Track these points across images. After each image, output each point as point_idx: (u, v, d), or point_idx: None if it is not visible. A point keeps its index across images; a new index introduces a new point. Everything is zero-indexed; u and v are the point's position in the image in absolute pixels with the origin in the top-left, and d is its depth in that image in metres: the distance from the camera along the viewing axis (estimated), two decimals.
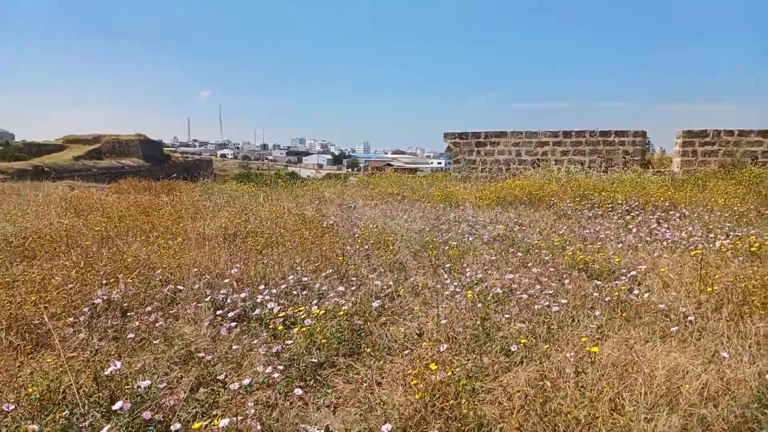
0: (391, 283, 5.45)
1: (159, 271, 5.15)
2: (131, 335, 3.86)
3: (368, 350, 3.97)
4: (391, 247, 6.90)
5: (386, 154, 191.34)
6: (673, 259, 6.04)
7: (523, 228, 8.60)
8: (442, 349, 3.86)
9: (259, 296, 4.66)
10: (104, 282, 4.82)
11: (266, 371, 3.30)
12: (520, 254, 6.58)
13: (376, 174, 22.85)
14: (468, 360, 3.83)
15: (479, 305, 4.63)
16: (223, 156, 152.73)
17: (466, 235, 7.89)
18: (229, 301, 4.59)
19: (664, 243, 7.06)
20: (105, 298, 4.34)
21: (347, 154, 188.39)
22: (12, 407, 2.62)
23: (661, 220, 8.76)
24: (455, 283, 5.43)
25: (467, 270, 5.95)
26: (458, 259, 6.51)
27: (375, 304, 4.80)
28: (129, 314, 4.25)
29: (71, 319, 3.98)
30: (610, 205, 10.19)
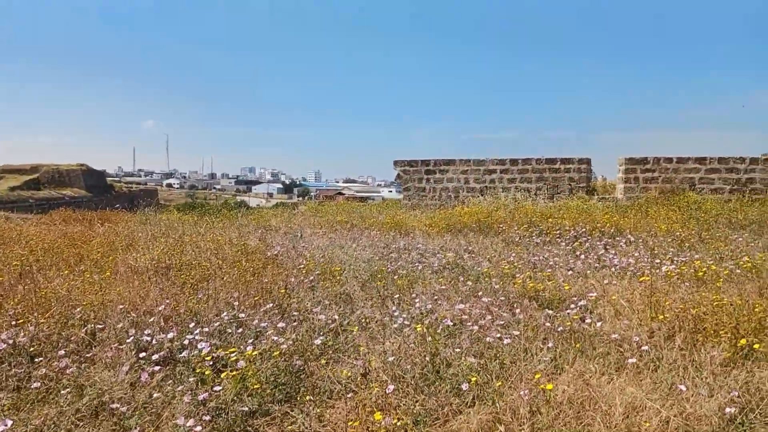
0: (336, 317, 5.12)
1: (79, 309, 4.66)
2: (36, 384, 3.39)
3: (307, 396, 3.63)
4: (337, 278, 6.59)
5: (338, 182, 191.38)
6: (623, 286, 5.97)
7: (473, 255, 8.45)
8: (388, 391, 3.56)
9: (189, 336, 4.24)
10: (13, 323, 4.30)
11: (187, 424, 2.91)
12: (470, 283, 6.38)
13: (327, 202, 22.53)
14: (416, 402, 3.54)
15: (428, 339, 4.37)
16: (170, 185, 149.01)
17: (416, 264, 7.66)
18: (154, 342, 4.15)
19: (613, 269, 7.03)
20: (11, 342, 3.83)
21: (298, 182, 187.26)
22: None
23: (608, 246, 8.79)
24: (404, 315, 5.16)
25: (416, 301, 5.69)
26: (407, 289, 6.25)
27: (317, 342, 4.46)
28: (37, 360, 3.75)
29: None
30: (558, 232, 10.21)
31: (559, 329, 4.67)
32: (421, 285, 6.40)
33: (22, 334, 3.96)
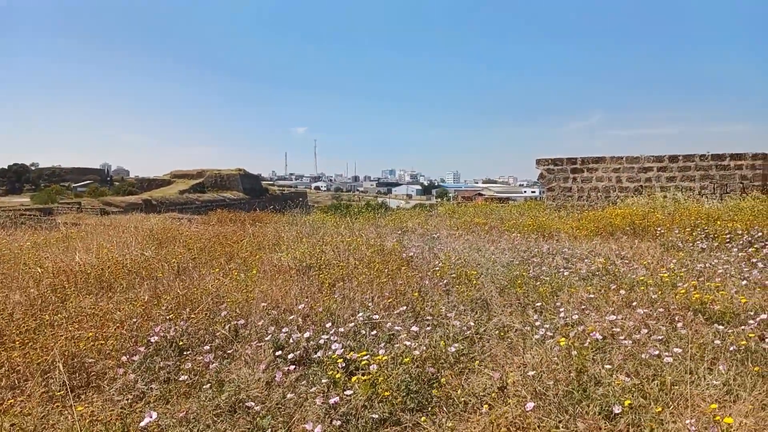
0: (471, 323, 4.87)
1: (224, 306, 4.92)
2: (184, 377, 3.58)
3: (440, 407, 3.43)
4: (474, 282, 6.31)
5: (477, 183, 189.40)
6: None
7: (626, 261, 7.68)
8: (527, 408, 3.25)
9: (324, 336, 4.26)
10: (168, 317, 4.64)
11: (316, 431, 2.85)
12: (623, 292, 5.75)
13: (465, 203, 22.23)
14: (560, 423, 3.19)
15: (574, 353, 3.96)
16: (317, 188, 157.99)
17: (561, 269, 7.12)
18: (291, 340, 4.22)
19: None
20: (162, 335, 4.12)
21: (436, 184, 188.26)
22: None
23: None
24: (546, 326, 4.76)
25: (561, 310, 5.25)
26: (551, 296, 5.81)
27: (452, 349, 4.25)
28: (185, 353, 3.99)
29: (125, 357, 3.77)
30: (729, 236, 8.96)
31: (731, 348, 4.00)
32: (567, 293, 5.91)
33: (174, 328, 4.24)
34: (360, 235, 9.42)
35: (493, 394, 3.58)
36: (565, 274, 6.85)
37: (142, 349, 3.86)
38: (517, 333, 4.83)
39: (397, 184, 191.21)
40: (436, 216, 14.94)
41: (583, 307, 5.39)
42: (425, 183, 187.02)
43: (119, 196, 57.52)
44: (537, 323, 4.86)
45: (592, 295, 5.76)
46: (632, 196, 14.88)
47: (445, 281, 6.21)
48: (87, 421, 2.71)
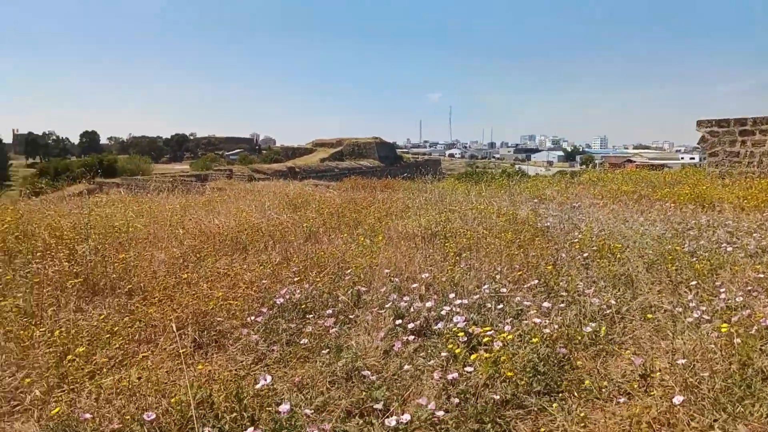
0: (613, 302, 4.37)
1: (349, 271, 4.90)
2: (304, 341, 3.59)
3: (570, 391, 3.09)
4: (618, 256, 5.70)
5: (627, 149, 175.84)
6: None
7: None
8: (675, 402, 2.80)
9: (446, 307, 4.05)
10: (296, 279, 4.72)
11: (431, 407, 2.67)
12: None
13: (612, 170, 20.57)
14: (715, 422, 2.71)
15: (737, 341, 3.36)
16: (451, 155, 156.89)
17: (723, 245, 6.21)
18: (412, 309, 4.08)
19: None
20: (288, 297, 4.18)
21: (581, 150, 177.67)
22: (152, 416, 2.45)
23: None
24: (702, 308, 4.13)
25: (722, 291, 4.53)
26: (709, 275, 5.06)
27: (587, 329, 3.84)
28: (309, 316, 4.01)
29: (252, 317, 3.88)
30: None
31: None
32: (730, 271, 5.12)
33: (299, 291, 4.29)
34: (491, 203, 9.02)
35: (633, 383, 3.15)
36: (729, 249, 5.94)
37: (265, 310, 3.95)
38: (666, 315, 4.25)
39: (536, 150, 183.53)
40: (578, 183, 13.93)
41: (749, 288, 4.62)
42: (568, 149, 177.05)
43: (266, 164, 61.56)
44: (691, 304, 4.24)
45: (761, 275, 4.93)
46: None
47: (584, 254, 5.67)
48: (205, 379, 2.79)
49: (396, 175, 21.34)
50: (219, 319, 3.81)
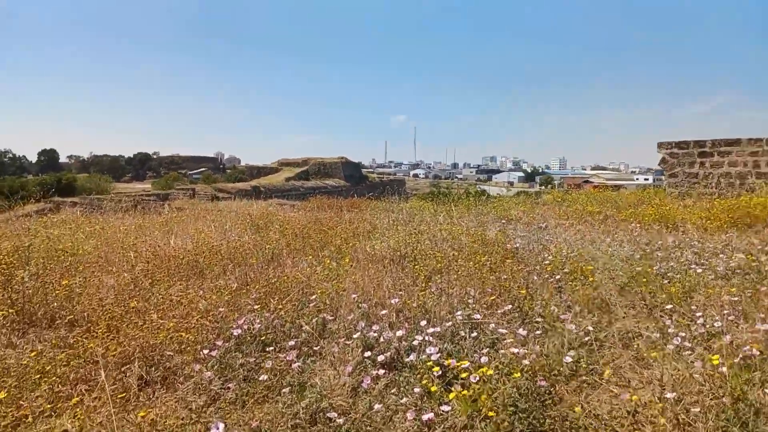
0: (590, 327, 4.18)
1: (314, 297, 4.59)
2: (263, 377, 3.26)
3: (555, 429, 2.85)
4: (590, 279, 5.56)
5: (585, 170, 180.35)
6: None
7: None
8: None
9: (418, 336, 3.78)
10: (255, 306, 4.38)
11: None
12: None
13: (573, 191, 20.79)
14: None
15: (725, 371, 3.20)
16: (416, 175, 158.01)
17: (692, 266, 6.15)
18: (382, 339, 3.79)
19: None
20: (246, 328, 3.84)
21: (540, 171, 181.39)
22: None
23: None
24: (682, 334, 3.98)
25: (698, 315, 4.41)
26: (683, 298, 4.95)
27: (567, 359, 3.62)
28: (269, 348, 3.68)
29: (206, 351, 3.52)
30: None
31: None
32: (703, 294, 5.02)
33: (259, 320, 3.95)
34: (459, 224, 8.85)
35: (623, 420, 2.94)
36: (699, 271, 5.88)
37: (220, 343, 3.59)
38: (645, 341, 4.09)
39: (497, 171, 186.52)
40: (543, 204, 13.96)
41: (725, 311, 4.51)
42: (528, 170, 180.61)
43: (230, 183, 60.54)
44: (670, 330, 4.09)
45: (735, 298, 4.84)
46: None
47: (557, 277, 5.51)
48: (148, 427, 2.43)
49: (362, 194, 21.12)
50: (169, 353, 3.44)
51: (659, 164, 15.27)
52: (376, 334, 3.81)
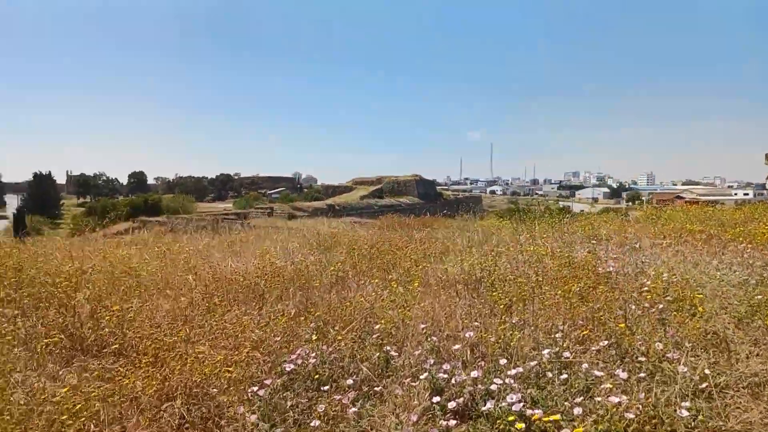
0: (707, 371, 3.45)
1: (378, 326, 4.14)
2: (315, 423, 2.82)
3: None
4: (699, 309, 4.76)
5: (675, 185, 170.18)
6: None
7: None
8: None
9: (497, 379, 3.23)
10: (313, 337, 3.98)
11: None
12: None
13: (662, 207, 19.21)
14: None
15: None
16: (493, 192, 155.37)
17: None
18: (454, 381, 3.27)
19: None
20: (300, 362, 3.44)
21: (627, 186, 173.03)
22: None
23: None
24: None
25: None
26: None
27: (683, 412, 2.94)
28: (324, 388, 3.25)
29: (254, 388, 3.14)
30: None
31: None
32: None
33: (314, 354, 3.53)
34: (542, 244, 8.14)
35: None
36: None
37: (269, 381, 3.19)
38: None
39: (581, 187, 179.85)
40: (635, 221, 12.85)
41: None
42: (614, 185, 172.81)
43: (306, 202, 61.85)
44: None
45: None
46: None
47: (660, 306, 4.75)
48: None
49: (436, 211, 20.62)
50: (214, 390, 3.09)
51: None
52: (446, 375, 3.29)
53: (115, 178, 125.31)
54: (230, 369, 3.20)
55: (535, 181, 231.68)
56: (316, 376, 3.33)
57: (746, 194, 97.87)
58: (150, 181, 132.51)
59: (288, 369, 3.36)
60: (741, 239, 8.81)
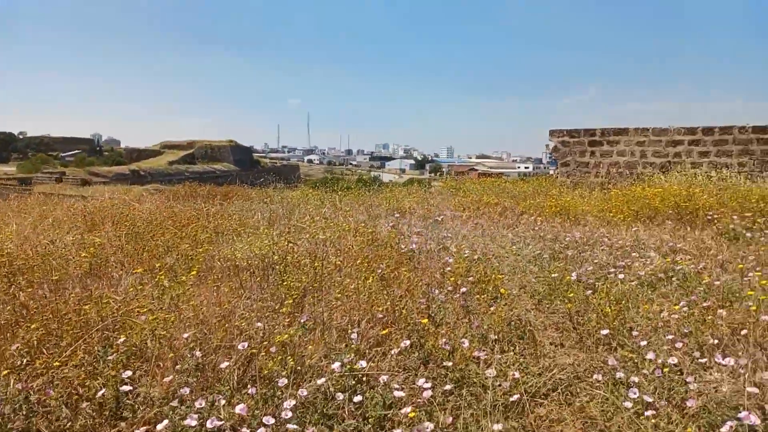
0: (516, 374, 3.04)
1: (123, 341, 3.06)
2: None
3: None
4: (502, 291, 4.49)
5: (470, 158, 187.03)
6: None
7: (693, 258, 5.86)
8: None
9: (268, 418, 2.42)
10: (19, 364, 2.77)
11: None
12: (722, 311, 3.94)
13: (461, 179, 20.22)
14: None
15: None
16: (310, 161, 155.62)
17: (611, 270, 5.29)
18: (210, 426, 2.37)
19: None
20: None
21: (430, 159, 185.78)
22: None
23: None
24: (635, 378, 2.96)
25: (642, 343, 3.44)
26: (616, 316, 3.99)
27: None
28: None
29: None
30: None
31: None
32: (640, 313, 4.09)
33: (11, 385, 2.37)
34: (347, 219, 7.55)
35: None
36: (620, 277, 5.01)
37: None
38: (588, 390, 3.05)
39: (390, 159, 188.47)
40: (437, 193, 13.05)
41: (671, 337, 3.56)
42: (418, 158, 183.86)
43: (106, 167, 55.10)
44: (618, 374, 3.05)
45: (674, 315, 3.96)
46: (657, 173, 13.06)
47: (463, 290, 4.35)
48: None
49: (252, 180, 19.28)
50: None
51: (551, 153, 14.98)
52: (199, 418, 2.38)
53: None
54: None
55: (349, 152, 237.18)
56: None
57: (527, 167, 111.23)
58: None
59: None
60: (531, 212, 9.24)
